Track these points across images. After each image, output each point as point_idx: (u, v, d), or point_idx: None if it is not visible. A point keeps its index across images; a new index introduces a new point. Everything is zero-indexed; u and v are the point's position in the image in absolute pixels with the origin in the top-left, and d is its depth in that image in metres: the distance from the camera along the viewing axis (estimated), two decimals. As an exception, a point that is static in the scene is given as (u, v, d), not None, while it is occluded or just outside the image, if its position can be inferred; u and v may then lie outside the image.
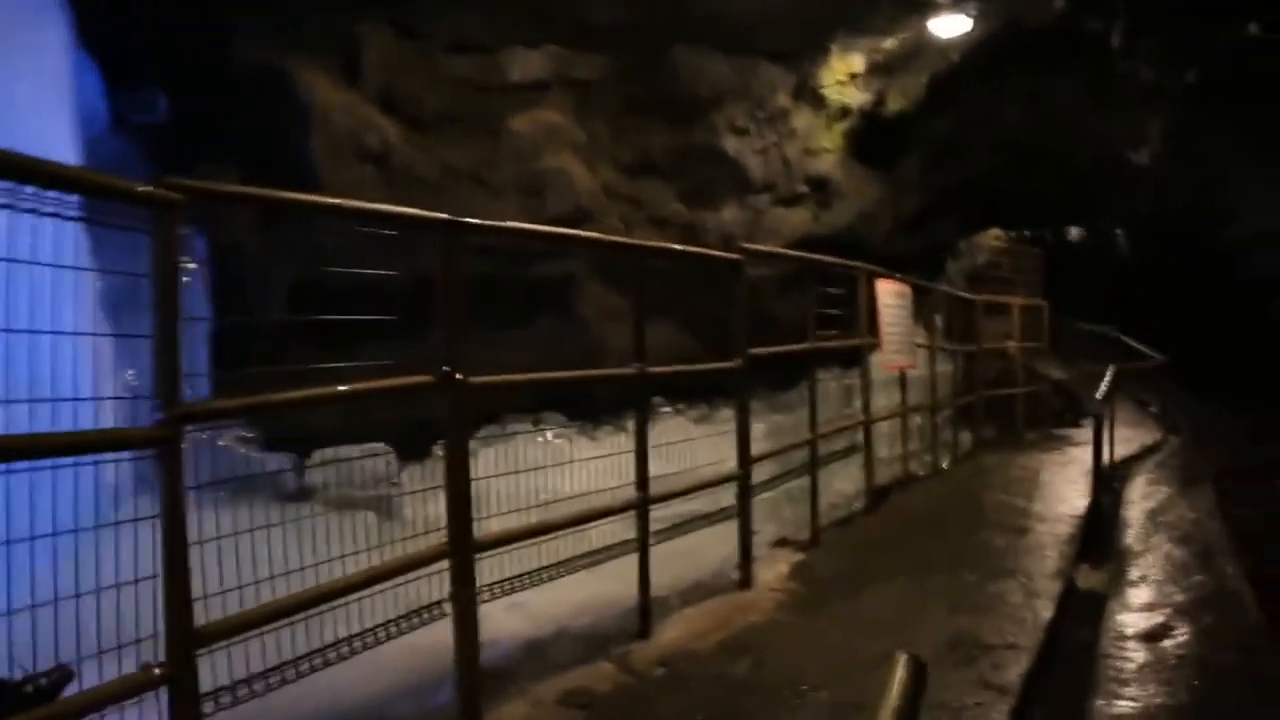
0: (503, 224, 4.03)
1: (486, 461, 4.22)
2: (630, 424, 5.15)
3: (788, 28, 10.48)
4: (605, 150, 9.92)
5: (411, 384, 3.98)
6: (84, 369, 2.90)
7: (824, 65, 11.81)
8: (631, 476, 5.05)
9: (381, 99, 8.72)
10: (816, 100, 11.92)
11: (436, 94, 8.99)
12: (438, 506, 3.96)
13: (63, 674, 2.56)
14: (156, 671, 2.70)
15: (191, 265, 3.01)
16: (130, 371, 3.19)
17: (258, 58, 8.21)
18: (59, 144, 8.60)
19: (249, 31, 8.24)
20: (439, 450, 3.97)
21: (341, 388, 3.66)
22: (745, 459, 6.06)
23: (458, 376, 3.93)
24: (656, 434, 5.44)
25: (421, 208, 3.88)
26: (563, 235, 4.48)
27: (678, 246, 5.94)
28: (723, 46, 10.36)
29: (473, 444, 4.00)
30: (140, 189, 2.76)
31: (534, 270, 9.26)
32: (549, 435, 9.30)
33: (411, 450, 6.90)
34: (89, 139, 9.33)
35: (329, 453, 6.23)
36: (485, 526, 4.10)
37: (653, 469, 5.17)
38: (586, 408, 10.02)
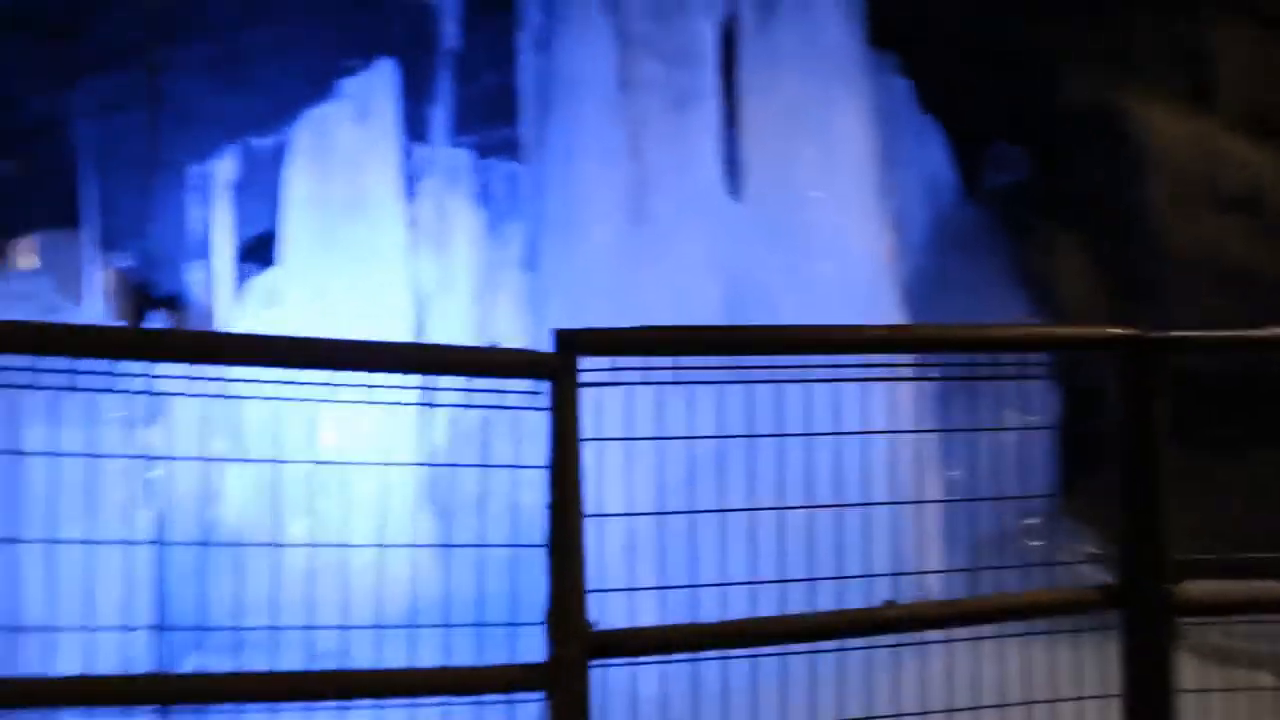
0: (1228, 334, 2.55)
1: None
2: None
3: None
4: None
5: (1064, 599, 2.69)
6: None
7: None
8: None
9: (1245, 123, 7.02)
10: None
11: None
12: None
13: None
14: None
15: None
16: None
17: (1085, 95, 7.15)
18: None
19: (1078, 65, 7.24)
20: None
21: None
22: None
23: (1162, 588, 2.53)
24: None
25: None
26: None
27: None
28: None
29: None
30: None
31: None
32: None
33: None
34: (937, 211, 9.06)
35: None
36: None
37: None
38: None
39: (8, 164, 8.25)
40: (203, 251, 9.32)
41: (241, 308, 8.98)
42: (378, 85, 8.40)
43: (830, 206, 6.96)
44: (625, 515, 2.45)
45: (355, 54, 8.34)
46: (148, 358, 2.13)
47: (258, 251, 9.29)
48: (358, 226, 8.39)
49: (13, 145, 8.17)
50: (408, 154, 8.75)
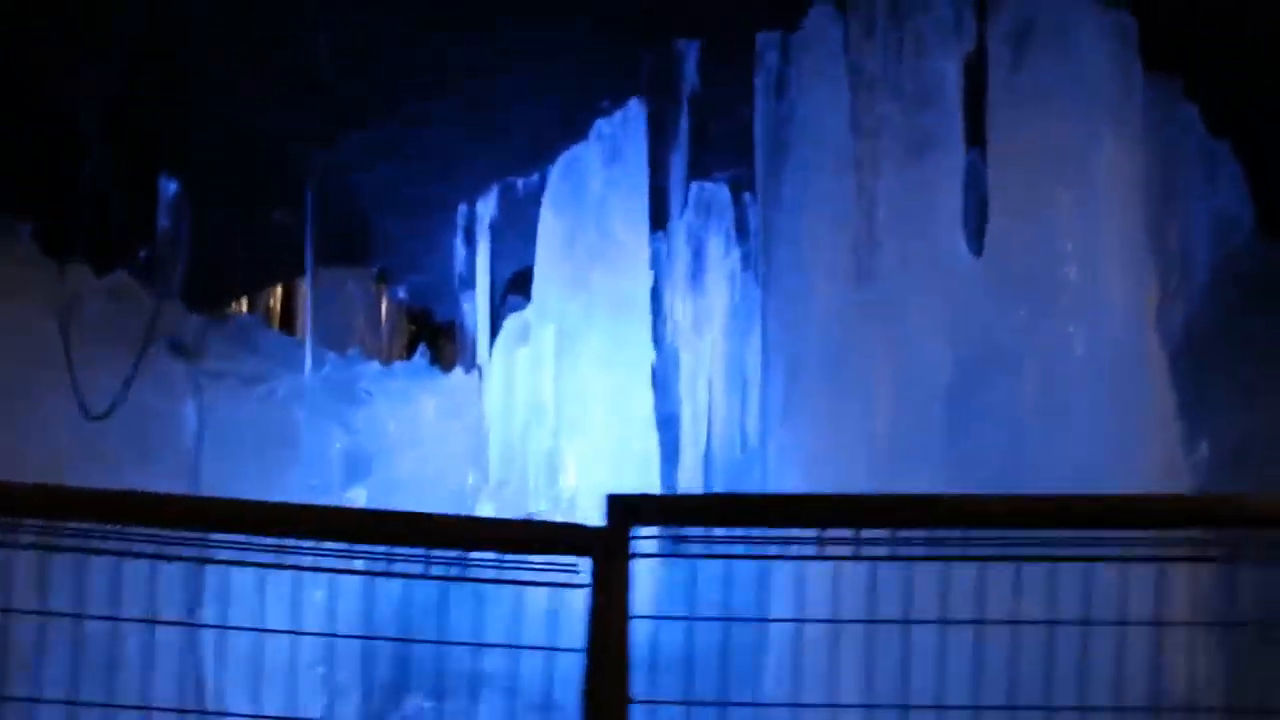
0: None
1: None
2: None
3: None
4: None
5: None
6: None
7: None
8: None
9: None
10: None
11: None
12: None
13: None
14: None
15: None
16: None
17: None
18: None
19: None
20: None
21: None
22: None
23: None
24: None
25: None
26: None
27: None
28: None
29: None
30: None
31: None
32: None
33: None
34: (1223, 254, 8.15)
35: None
36: None
37: None
38: None
39: (283, 213, 8.81)
40: (470, 285, 9.71)
41: (497, 345, 9.23)
42: (628, 126, 8.46)
43: (1086, 258, 6.33)
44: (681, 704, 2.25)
45: (607, 95, 8.45)
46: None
47: (521, 287, 9.57)
48: (606, 267, 8.47)
49: (286, 195, 8.72)
50: (655, 193, 8.76)
